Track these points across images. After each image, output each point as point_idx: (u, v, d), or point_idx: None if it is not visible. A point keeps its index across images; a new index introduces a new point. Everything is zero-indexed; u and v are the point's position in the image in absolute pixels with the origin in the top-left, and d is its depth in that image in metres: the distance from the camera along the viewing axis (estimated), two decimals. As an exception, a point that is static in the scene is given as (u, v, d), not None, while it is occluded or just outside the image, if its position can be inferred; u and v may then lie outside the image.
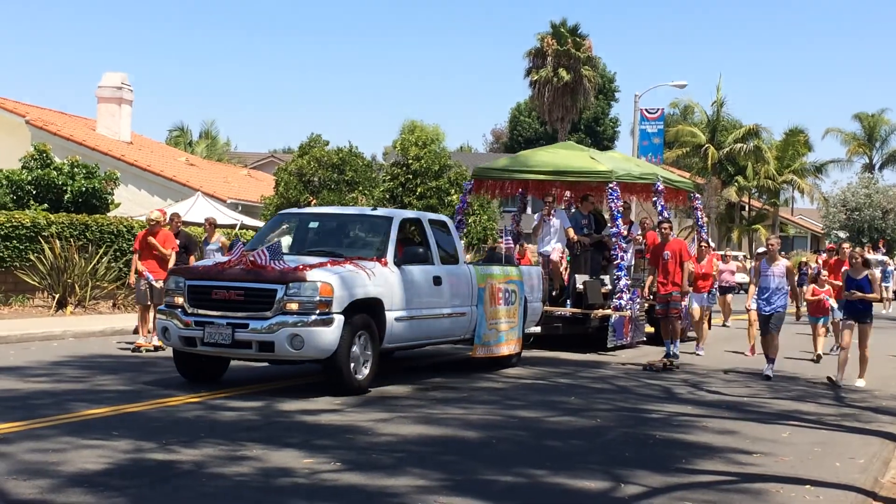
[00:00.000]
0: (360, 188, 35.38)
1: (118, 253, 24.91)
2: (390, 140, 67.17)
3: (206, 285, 12.15)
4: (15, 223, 23.50)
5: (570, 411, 11.81)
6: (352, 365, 12.09)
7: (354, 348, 12.12)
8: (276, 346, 11.66)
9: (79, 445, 8.67)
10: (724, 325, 26.41)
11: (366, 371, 12.38)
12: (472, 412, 11.50)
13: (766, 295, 15.81)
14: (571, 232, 19.80)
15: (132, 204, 32.88)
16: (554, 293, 19.35)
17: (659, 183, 21.03)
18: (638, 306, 20.08)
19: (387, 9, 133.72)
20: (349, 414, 11.00)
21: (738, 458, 9.44)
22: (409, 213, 14.98)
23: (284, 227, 14.66)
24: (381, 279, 12.61)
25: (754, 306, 16.39)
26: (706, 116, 67.73)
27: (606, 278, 20.16)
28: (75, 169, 27.16)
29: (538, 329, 18.20)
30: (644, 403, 12.61)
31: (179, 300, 12.26)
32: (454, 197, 35.66)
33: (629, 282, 19.65)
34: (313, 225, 14.66)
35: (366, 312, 12.31)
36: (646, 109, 45.22)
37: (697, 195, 24.62)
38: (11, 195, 26.39)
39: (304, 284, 11.71)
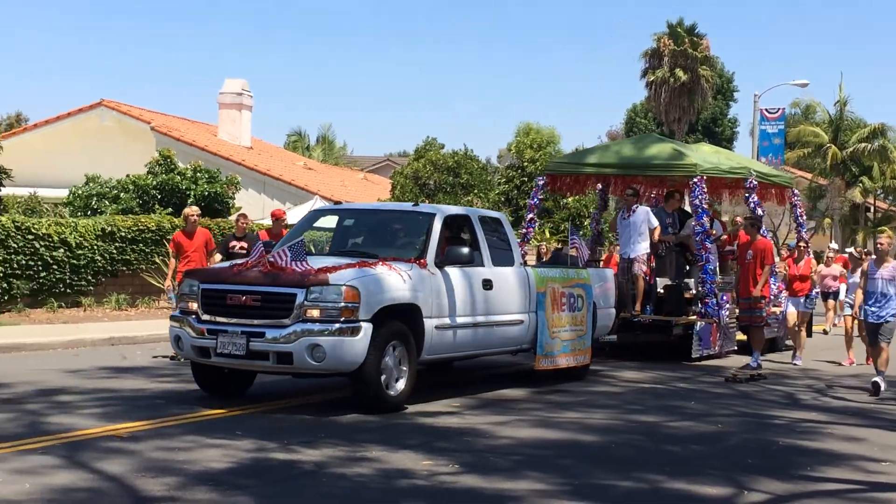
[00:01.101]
0: (476, 191, 35.48)
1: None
2: (505, 143, 67.19)
3: (220, 289, 10.99)
4: (141, 227, 24.21)
5: (691, 416, 11.63)
6: (383, 378, 10.83)
7: (386, 360, 10.85)
8: (295, 358, 10.41)
9: (204, 444, 8.89)
10: (824, 332, 23.73)
11: (400, 386, 11.08)
12: (590, 416, 11.42)
13: (873, 301, 14.26)
14: (658, 232, 17.92)
15: (252, 208, 33.46)
16: (636, 302, 17.55)
17: (752, 178, 19.21)
18: (727, 312, 18.06)
19: (501, 12, 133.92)
20: (467, 416, 11.03)
21: (866, 466, 9.17)
22: (456, 210, 13.63)
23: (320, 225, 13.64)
24: (418, 282, 11.29)
25: (861, 315, 14.56)
26: (828, 116, 66.04)
27: (692, 282, 18.46)
28: (198, 174, 27.85)
29: (614, 337, 17.13)
30: (766, 409, 12.35)
31: (193, 306, 11.10)
32: (570, 199, 35.46)
33: (716, 285, 17.88)
34: (348, 223, 13.47)
35: (400, 320, 11.04)
36: (766, 109, 44.37)
37: (796, 191, 22.67)
38: (137, 199, 27.17)
39: (326, 288, 10.46)
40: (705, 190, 18.17)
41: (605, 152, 19.97)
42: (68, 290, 22.84)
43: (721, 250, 19.11)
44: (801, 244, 19.45)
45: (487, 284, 12.40)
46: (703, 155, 19.84)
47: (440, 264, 11.74)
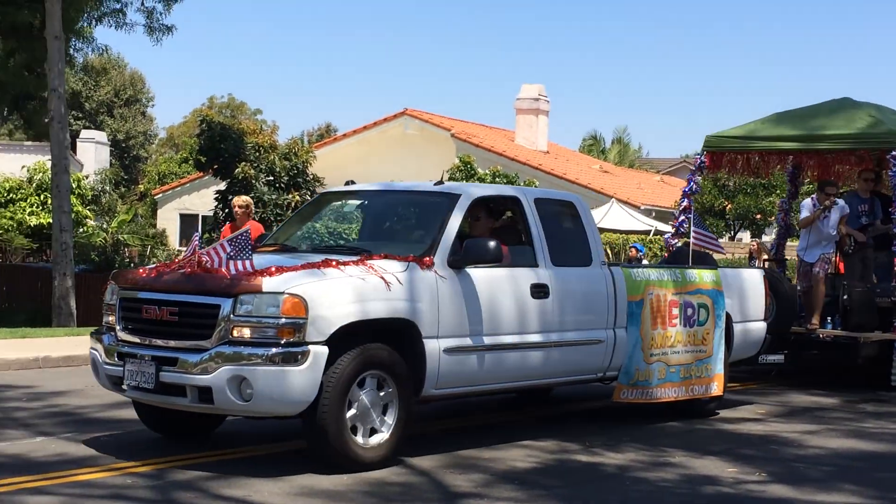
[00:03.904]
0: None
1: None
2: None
3: (136, 298, 8.26)
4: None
5: None
6: (349, 424, 7.76)
7: (359, 398, 7.85)
8: (215, 395, 7.57)
9: (510, 445, 9.04)
10: None
11: (381, 436, 7.98)
12: (908, 428, 10.78)
13: None
14: (844, 225, 14.20)
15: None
16: (814, 314, 13.84)
17: None
18: None
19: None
20: (772, 424, 10.69)
21: None
22: (495, 189, 10.36)
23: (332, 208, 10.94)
24: (416, 289, 8.20)
25: None
26: None
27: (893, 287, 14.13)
28: (496, 179, 28.43)
29: (780, 358, 13.46)
30: None
31: (113, 319, 8.48)
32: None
33: None
34: (349, 209, 11.09)
35: (383, 342, 8.04)
36: None
37: None
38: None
39: (259, 298, 7.56)
40: None
41: (780, 122, 15.72)
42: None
43: None
44: None
45: (540, 291, 9.18)
46: None
47: (457, 263, 8.58)
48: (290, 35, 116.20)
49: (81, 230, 29.82)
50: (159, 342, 7.99)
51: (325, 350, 7.59)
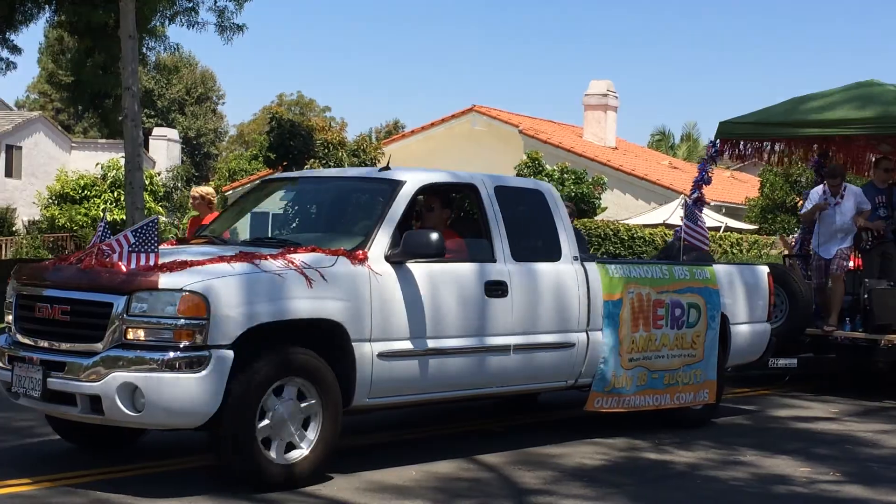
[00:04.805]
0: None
1: (604, 254, 25.65)
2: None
3: (30, 295, 7.45)
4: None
5: None
6: (261, 437, 6.92)
7: (274, 409, 6.98)
8: (105, 404, 6.74)
9: (578, 442, 9.02)
10: None
11: (300, 451, 7.12)
12: None
13: None
14: (863, 219, 12.85)
15: (617, 208, 33.71)
16: (833, 314, 12.61)
17: None
18: None
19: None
20: (847, 423, 10.54)
21: None
22: (449, 176, 8.90)
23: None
24: (342, 287, 7.30)
25: None
26: None
27: None
28: (565, 175, 28.40)
29: (794, 362, 12.34)
30: None
31: (10, 318, 7.66)
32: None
33: None
34: (288, 196, 9.93)
35: (308, 345, 7.19)
36: None
37: None
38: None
39: (155, 295, 6.75)
40: None
41: (801, 106, 14.16)
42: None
43: None
44: None
45: (497, 289, 8.21)
46: None
47: (395, 258, 7.67)
48: (358, 32, 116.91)
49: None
50: (49, 344, 7.13)
51: (229, 355, 6.73)
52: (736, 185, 44.85)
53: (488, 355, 8.20)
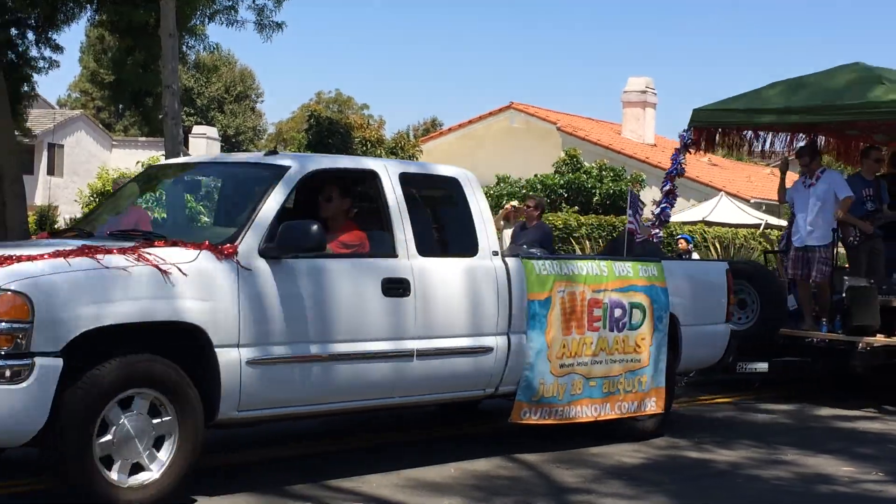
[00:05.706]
0: None
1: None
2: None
3: None
4: (549, 225, 24.93)
5: None
6: (98, 455, 6.02)
7: (124, 422, 6.12)
8: None
9: (619, 440, 8.89)
10: None
11: (149, 474, 6.21)
12: None
13: None
14: (843, 210, 11.66)
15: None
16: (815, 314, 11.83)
17: None
18: None
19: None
20: (889, 422, 10.45)
21: None
22: (347, 162, 8.50)
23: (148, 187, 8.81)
24: (203, 285, 6.45)
25: None
26: None
27: None
28: (603, 172, 28.32)
29: (764, 366, 11.36)
30: None
31: None
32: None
33: None
34: (167, 185, 8.73)
35: (160, 351, 6.30)
36: None
37: None
38: (546, 198, 28.04)
39: None
40: None
41: (785, 91, 12.91)
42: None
43: None
44: None
45: (396, 287, 7.35)
46: None
47: (271, 253, 6.80)
48: (395, 30, 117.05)
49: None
50: None
51: (58, 363, 5.83)
52: (776, 182, 44.45)
53: (386, 361, 7.31)
